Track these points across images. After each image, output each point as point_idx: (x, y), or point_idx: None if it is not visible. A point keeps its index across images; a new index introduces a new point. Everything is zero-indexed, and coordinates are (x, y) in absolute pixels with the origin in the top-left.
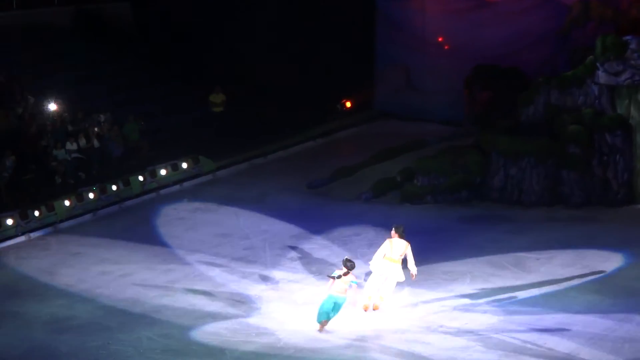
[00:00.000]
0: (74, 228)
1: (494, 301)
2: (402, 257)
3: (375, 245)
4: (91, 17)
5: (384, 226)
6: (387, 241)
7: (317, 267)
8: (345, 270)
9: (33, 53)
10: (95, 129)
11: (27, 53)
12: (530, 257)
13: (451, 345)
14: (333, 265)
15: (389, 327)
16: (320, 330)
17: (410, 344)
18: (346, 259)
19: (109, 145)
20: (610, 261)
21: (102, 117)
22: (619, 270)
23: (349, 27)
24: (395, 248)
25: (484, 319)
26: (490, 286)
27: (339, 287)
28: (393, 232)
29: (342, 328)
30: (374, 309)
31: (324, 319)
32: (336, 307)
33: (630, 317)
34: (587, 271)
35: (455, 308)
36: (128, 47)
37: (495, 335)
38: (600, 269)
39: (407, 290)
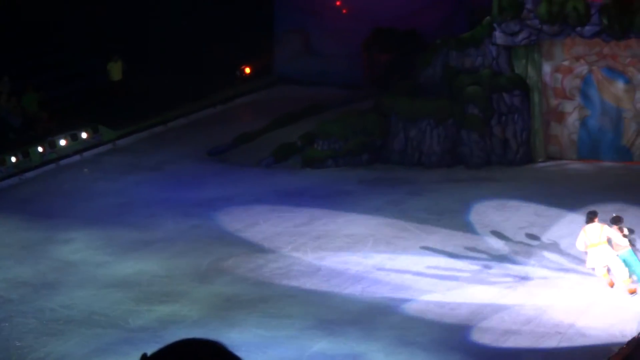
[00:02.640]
0: None
1: (396, 263)
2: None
3: (277, 211)
4: None
5: (286, 191)
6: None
7: (219, 234)
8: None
9: None
10: None
11: None
12: (431, 219)
13: (356, 308)
14: (235, 231)
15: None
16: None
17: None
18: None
19: (8, 116)
20: (510, 220)
21: None
22: (518, 229)
23: None
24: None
25: (387, 281)
26: (393, 248)
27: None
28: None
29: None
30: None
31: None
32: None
33: (531, 272)
34: (488, 230)
35: (357, 271)
36: (22, 16)
37: (399, 297)
38: (502, 228)
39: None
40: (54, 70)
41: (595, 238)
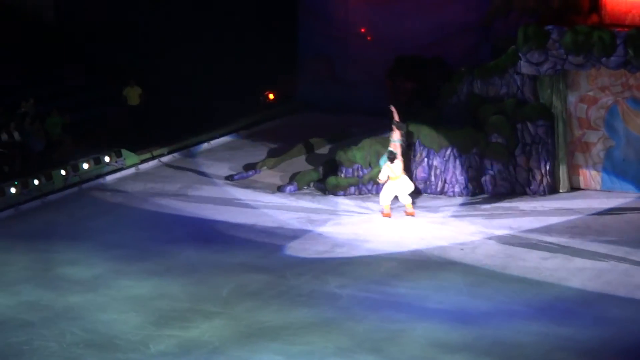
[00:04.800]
0: None
1: (418, 292)
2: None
3: (298, 238)
4: (9, 9)
5: (308, 218)
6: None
7: (241, 259)
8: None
9: None
10: (14, 123)
11: None
12: (454, 248)
13: (377, 337)
14: (257, 257)
15: None
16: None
17: None
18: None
19: (31, 139)
20: (533, 251)
21: (22, 107)
22: (541, 260)
23: (272, 18)
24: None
25: (407, 309)
26: (414, 277)
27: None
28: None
29: None
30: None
31: None
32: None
33: (553, 306)
34: (510, 261)
35: (378, 299)
36: (47, 41)
37: (420, 325)
38: (524, 259)
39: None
40: (78, 93)
41: (398, 172)
